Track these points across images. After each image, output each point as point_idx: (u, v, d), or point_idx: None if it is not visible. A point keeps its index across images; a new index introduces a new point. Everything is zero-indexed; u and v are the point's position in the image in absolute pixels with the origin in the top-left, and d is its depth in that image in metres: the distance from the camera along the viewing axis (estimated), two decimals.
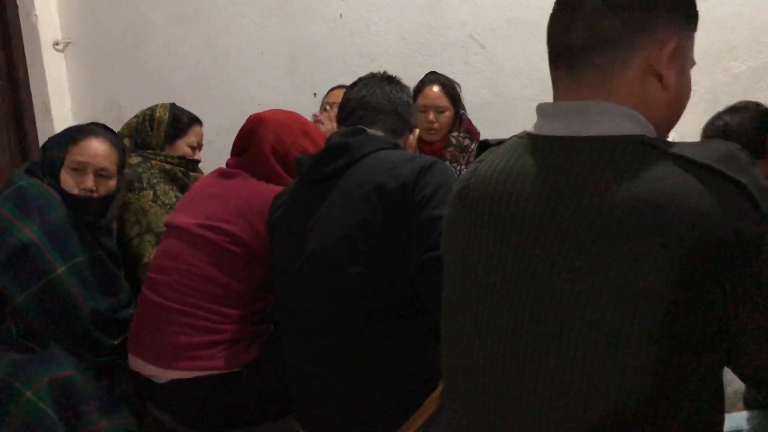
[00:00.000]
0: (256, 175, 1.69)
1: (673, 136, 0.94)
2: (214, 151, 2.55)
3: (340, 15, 2.77)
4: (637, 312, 0.70)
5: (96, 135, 1.79)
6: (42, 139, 2.81)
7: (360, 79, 1.53)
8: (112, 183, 1.81)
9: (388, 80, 1.52)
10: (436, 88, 2.35)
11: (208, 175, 1.81)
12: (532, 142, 0.85)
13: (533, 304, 0.77)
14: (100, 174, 1.77)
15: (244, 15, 2.89)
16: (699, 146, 0.73)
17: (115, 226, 1.90)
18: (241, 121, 1.77)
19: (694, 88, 0.88)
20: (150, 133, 2.14)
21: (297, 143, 1.68)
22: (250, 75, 2.92)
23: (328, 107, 2.48)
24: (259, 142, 1.69)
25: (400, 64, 2.61)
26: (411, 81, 1.94)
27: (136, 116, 2.20)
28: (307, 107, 2.58)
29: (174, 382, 1.56)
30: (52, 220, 1.67)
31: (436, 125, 2.34)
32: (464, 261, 0.87)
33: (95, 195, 1.75)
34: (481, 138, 2.40)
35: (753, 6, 2.31)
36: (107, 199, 1.79)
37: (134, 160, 2.03)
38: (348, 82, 2.49)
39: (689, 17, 0.84)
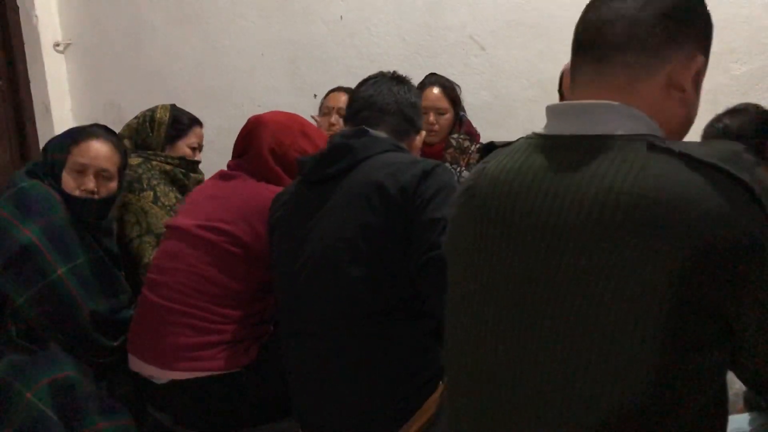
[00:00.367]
0: (256, 176, 1.69)
1: None
2: (215, 151, 2.55)
3: (341, 16, 2.77)
4: (640, 309, 0.70)
5: (97, 136, 1.79)
6: (42, 140, 2.81)
7: (369, 78, 1.53)
8: (113, 184, 1.81)
9: (396, 80, 1.52)
10: (436, 90, 2.35)
11: (209, 179, 1.82)
12: (539, 141, 0.85)
13: (537, 302, 0.78)
14: (101, 175, 1.77)
15: (244, 16, 2.89)
16: (704, 146, 0.75)
17: (115, 227, 1.90)
18: (241, 122, 1.78)
19: None
20: (150, 134, 2.14)
21: (296, 144, 1.69)
22: (250, 76, 2.92)
23: (326, 111, 2.48)
24: (257, 143, 1.69)
25: (400, 66, 2.58)
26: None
27: (136, 117, 2.20)
28: (307, 108, 2.58)
29: (173, 383, 1.56)
30: (52, 222, 1.67)
31: (436, 127, 2.34)
32: (469, 259, 0.87)
33: (96, 196, 1.75)
34: (482, 139, 2.42)
35: (753, 7, 2.32)
36: (108, 201, 1.79)
37: (134, 161, 2.03)
38: (348, 83, 2.52)
39: (709, 43, 0.88)
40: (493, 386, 0.82)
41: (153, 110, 2.18)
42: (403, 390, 1.31)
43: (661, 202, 0.70)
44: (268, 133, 1.69)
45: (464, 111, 2.45)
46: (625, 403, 0.71)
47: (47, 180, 1.73)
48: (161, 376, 1.58)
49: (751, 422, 1.28)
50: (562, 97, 2.04)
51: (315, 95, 2.78)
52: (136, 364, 1.63)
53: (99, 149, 1.77)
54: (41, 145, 2.43)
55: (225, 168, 1.78)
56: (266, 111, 1.79)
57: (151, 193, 2.00)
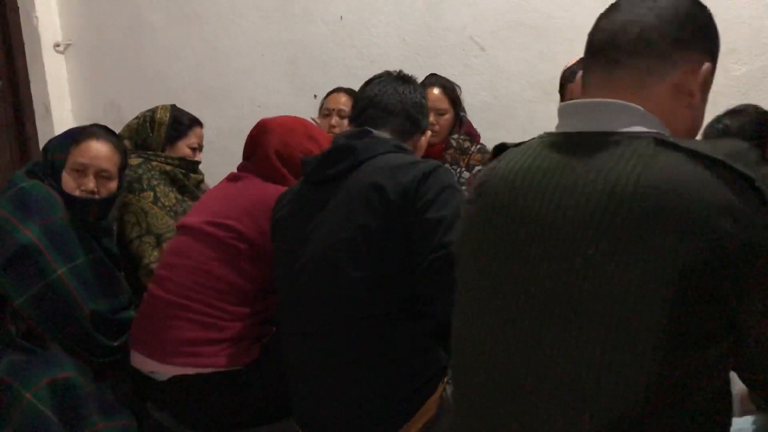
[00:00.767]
0: (262, 177, 1.72)
1: None
2: (215, 152, 2.55)
3: (341, 17, 2.77)
4: (646, 301, 0.71)
5: (97, 136, 1.79)
6: (42, 141, 2.81)
7: (375, 77, 1.53)
8: (113, 184, 1.81)
9: (402, 80, 1.51)
10: (436, 91, 2.35)
11: (219, 183, 1.83)
12: (550, 139, 0.87)
13: (546, 296, 0.79)
14: (101, 175, 1.77)
15: (245, 17, 2.89)
16: (709, 143, 0.76)
17: (115, 227, 1.90)
18: (241, 123, 1.79)
19: None
20: (150, 135, 2.14)
21: (302, 146, 1.71)
22: (251, 76, 2.92)
23: (327, 113, 2.48)
24: (264, 145, 1.72)
25: (400, 67, 2.56)
26: None
27: (136, 118, 2.20)
28: (306, 109, 2.58)
29: (174, 379, 1.56)
30: (52, 222, 1.67)
31: (436, 127, 2.34)
32: (480, 257, 0.88)
33: (96, 196, 1.76)
34: (482, 140, 2.42)
35: (754, 8, 2.32)
36: (108, 201, 1.79)
37: (134, 161, 2.03)
38: (348, 84, 2.52)
39: (717, 50, 0.90)
40: (500, 378, 0.83)
41: (153, 111, 2.18)
42: (403, 390, 1.31)
43: (668, 195, 0.71)
44: (274, 135, 1.72)
45: (464, 111, 2.45)
46: (630, 394, 0.72)
47: (47, 180, 1.73)
48: (162, 371, 1.58)
49: (753, 422, 1.28)
50: (562, 98, 2.05)
51: (315, 96, 2.78)
52: (138, 360, 1.63)
53: (99, 149, 1.77)
54: (41, 145, 2.43)
55: (226, 169, 1.79)
56: (266, 111, 1.80)
57: (151, 193, 2.00)
